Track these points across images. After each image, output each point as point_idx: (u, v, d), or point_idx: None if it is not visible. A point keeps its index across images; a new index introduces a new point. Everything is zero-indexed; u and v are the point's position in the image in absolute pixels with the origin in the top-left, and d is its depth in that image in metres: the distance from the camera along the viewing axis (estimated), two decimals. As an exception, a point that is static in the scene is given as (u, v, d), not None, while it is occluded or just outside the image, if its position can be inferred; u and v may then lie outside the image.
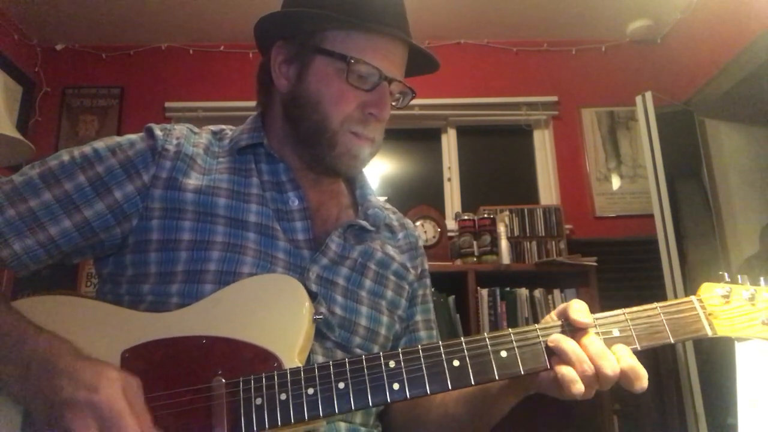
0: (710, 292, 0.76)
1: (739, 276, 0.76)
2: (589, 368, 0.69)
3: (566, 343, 0.71)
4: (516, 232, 2.83)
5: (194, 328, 0.76)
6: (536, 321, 2.56)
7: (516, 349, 0.72)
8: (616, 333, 0.72)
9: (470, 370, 0.70)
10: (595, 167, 3.17)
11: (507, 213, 2.75)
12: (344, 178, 1.02)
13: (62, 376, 0.65)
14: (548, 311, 2.49)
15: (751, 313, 0.74)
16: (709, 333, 0.73)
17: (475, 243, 2.64)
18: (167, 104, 3.18)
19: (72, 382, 0.64)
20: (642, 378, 0.69)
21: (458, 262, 2.64)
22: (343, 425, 0.83)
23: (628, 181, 3.16)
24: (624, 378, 0.69)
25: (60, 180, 0.83)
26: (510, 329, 0.73)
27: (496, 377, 0.71)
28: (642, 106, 2.61)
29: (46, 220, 0.81)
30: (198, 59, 3.28)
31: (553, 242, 2.82)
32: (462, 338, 0.72)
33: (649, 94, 2.61)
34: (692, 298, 0.75)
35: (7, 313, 0.73)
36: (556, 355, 0.71)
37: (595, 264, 2.50)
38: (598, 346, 0.70)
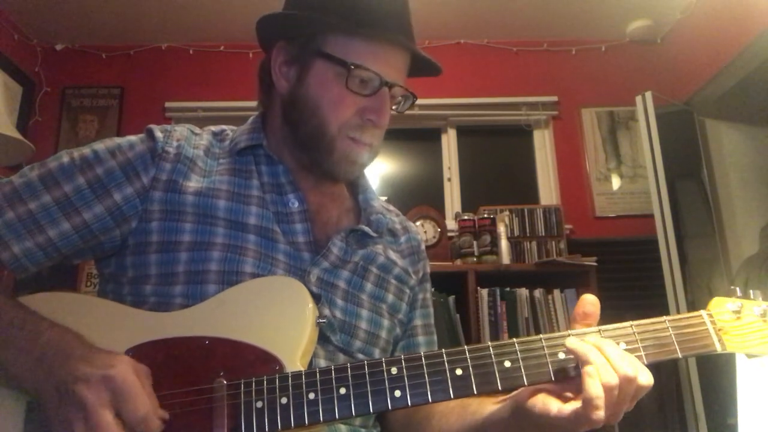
0: (721, 307, 0.73)
1: (751, 291, 0.73)
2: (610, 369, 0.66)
3: (582, 344, 0.68)
4: (516, 232, 2.82)
5: (197, 328, 0.76)
6: (536, 321, 2.56)
7: (520, 360, 0.70)
8: (623, 346, 0.70)
9: (473, 380, 0.70)
10: (595, 167, 3.17)
11: (507, 213, 2.75)
12: (343, 182, 1.01)
13: (77, 360, 0.67)
14: (548, 311, 2.52)
15: (764, 330, 0.71)
16: (719, 349, 0.70)
17: (475, 243, 2.63)
18: (167, 104, 3.17)
19: (86, 364, 0.66)
20: (645, 370, 0.67)
21: (458, 262, 2.63)
22: (343, 426, 0.83)
23: (628, 181, 3.15)
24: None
25: (59, 182, 0.83)
26: (514, 339, 0.72)
27: (499, 388, 0.70)
28: (642, 106, 2.61)
29: (45, 222, 0.81)
30: (198, 59, 3.27)
31: (553, 242, 2.81)
32: (465, 347, 0.71)
33: (649, 94, 2.61)
34: (702, 312, 0.73)
35: (18, 309, 0.74)
36: (566, 370, 0.69)
37: (595, 264, 2.49)
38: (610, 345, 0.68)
